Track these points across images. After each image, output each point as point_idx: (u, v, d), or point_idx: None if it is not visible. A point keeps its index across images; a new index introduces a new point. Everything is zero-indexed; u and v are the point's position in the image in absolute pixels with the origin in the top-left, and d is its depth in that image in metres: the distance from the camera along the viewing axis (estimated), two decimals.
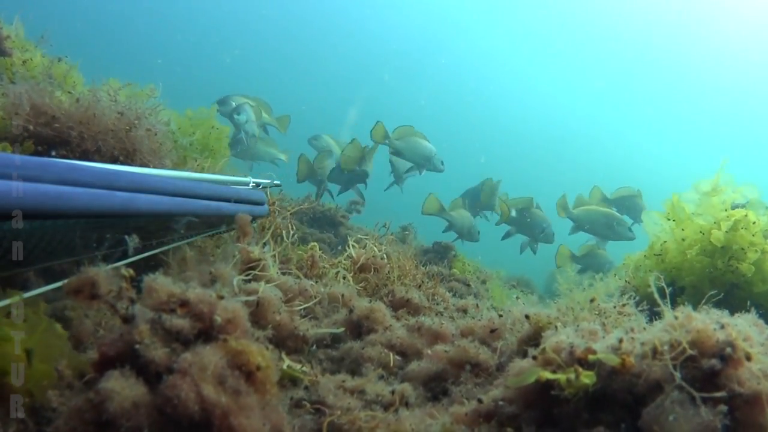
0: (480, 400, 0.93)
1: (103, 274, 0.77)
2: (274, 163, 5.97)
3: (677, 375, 0.75)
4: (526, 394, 0.88)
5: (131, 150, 1.61)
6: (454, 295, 2.50)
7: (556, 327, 1.06)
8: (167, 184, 1.12)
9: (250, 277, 1.26)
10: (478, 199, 5.57)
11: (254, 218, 1.63)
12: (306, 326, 1.24)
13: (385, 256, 1.86)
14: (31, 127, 1.47)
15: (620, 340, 0.83)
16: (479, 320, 1.35)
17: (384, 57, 28.12)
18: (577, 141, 28.59)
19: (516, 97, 31.37)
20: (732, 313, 0.88)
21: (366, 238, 1.96)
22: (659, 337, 0.80)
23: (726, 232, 2.30)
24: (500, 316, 1.31)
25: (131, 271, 0.80)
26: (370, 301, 1.41)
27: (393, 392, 1.04)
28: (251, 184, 1.76)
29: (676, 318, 0.82)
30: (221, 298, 0.81)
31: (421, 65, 28.86)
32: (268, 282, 1.24)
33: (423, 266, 2.44)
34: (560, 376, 0.82)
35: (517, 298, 2.60)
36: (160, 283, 0.80)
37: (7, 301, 0.82)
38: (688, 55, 27.32)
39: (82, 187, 0.84)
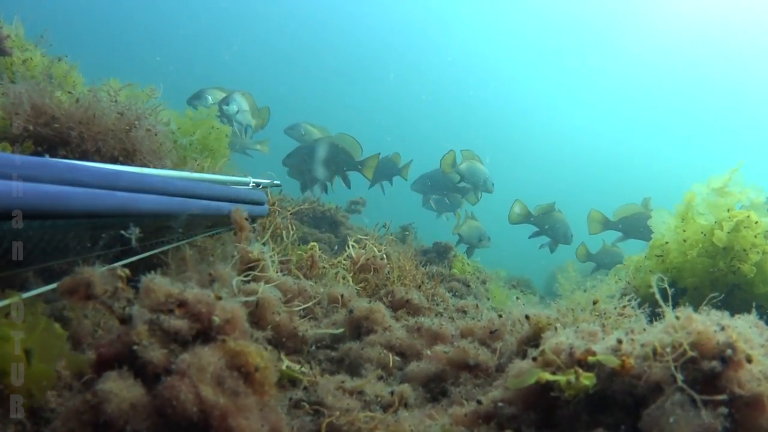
0: (479, 402, 0.93)
1: (99, 274, 0.76)
2: (246, 154, 5.79)
3: (679, 377, 0.75)
4: (526, 395, 0.88)
5: (131, 150, 1.60)
6: (453, 296, 2.50)
7: (555, 328, 1.06)
8: (167, 184, 1.12)
9: (249, 277, 1.25)
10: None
11: (254, 218, 1.63)
12: (305, 327, 1.24)
13: (384, 256, 1.86)
14: (31, 127, 1.46)
15: (620, 342, 0.83)
16: (479, 321, 1.35)
17: (384, 57, 28.16)
18: (578, 141, 28.61)
19: (516, 97, 31.39)
20: (733, 314, 0.87)
21: (366, 239, 1.96)
22: (659, 338, 0.80)
23: (728, 232, 2.29)
24: (500, 316, 1.31)
25: (127, 272, 0.79)
26: (370, 302, 1.41)
27: (392, 393, 1.04)
28: (251, 184, 1.76)
29: (677, 319, 0.82)
30: (220, 298, 0.81)
31: (424, 63, 28.89)
32: (267, 282, 1.24)
33: (423, 266, 2.43)
34: (560, 378, 0.82)
35: (518, 298, 2.60)
36: (158, 283, 0.79)
37: (6, 302, 0.81)
38: (689, 54, 27.30)
39: (82, 187, 0.84)
